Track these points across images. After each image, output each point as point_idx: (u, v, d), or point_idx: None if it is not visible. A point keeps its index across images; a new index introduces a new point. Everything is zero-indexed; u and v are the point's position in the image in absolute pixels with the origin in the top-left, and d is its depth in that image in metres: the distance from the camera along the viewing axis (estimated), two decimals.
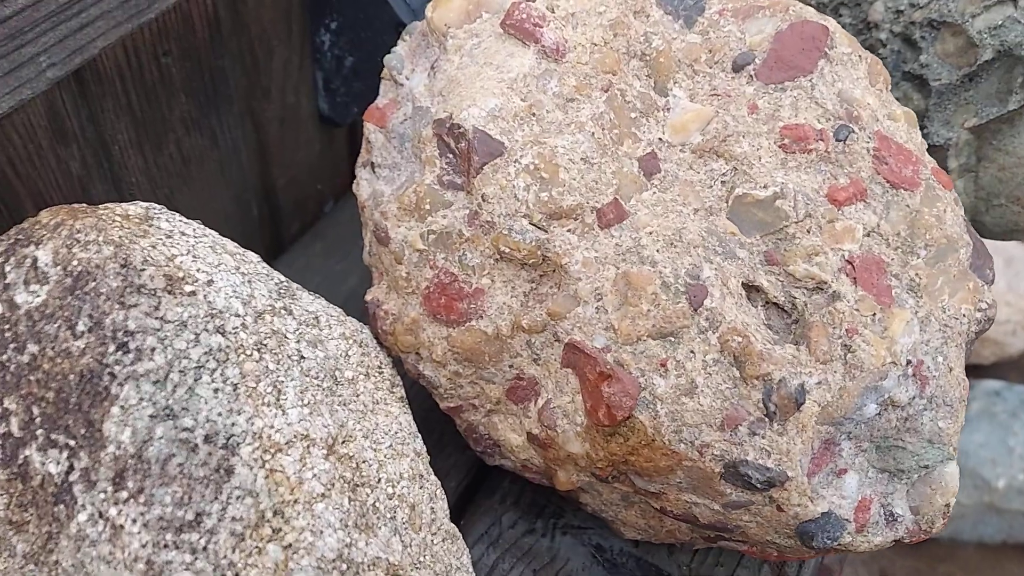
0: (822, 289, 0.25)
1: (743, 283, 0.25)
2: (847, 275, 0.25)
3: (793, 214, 0.26)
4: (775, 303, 0.25)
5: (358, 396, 0.25)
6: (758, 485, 0.24)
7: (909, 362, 0.25)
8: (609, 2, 0.28)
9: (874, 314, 0.25)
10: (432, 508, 0.24)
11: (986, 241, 0.39)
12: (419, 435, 0.27)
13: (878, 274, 0.25)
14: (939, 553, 1.59)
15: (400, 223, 0.28)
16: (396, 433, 0.25)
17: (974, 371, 1.75)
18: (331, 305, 0.27)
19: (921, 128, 0.38)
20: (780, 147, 0.26)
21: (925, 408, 0.25)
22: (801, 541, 0.26)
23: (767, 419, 0.24)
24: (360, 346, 0.27)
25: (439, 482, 0.26)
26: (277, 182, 0.38)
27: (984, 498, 1.38)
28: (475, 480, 0.35)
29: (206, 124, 0.32)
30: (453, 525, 0.26)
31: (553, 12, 0.27)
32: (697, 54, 0.27)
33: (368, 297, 0.29)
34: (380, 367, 0.27)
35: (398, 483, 0.23)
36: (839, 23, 0.41)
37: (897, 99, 0.39)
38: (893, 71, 0.39)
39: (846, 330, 0.25)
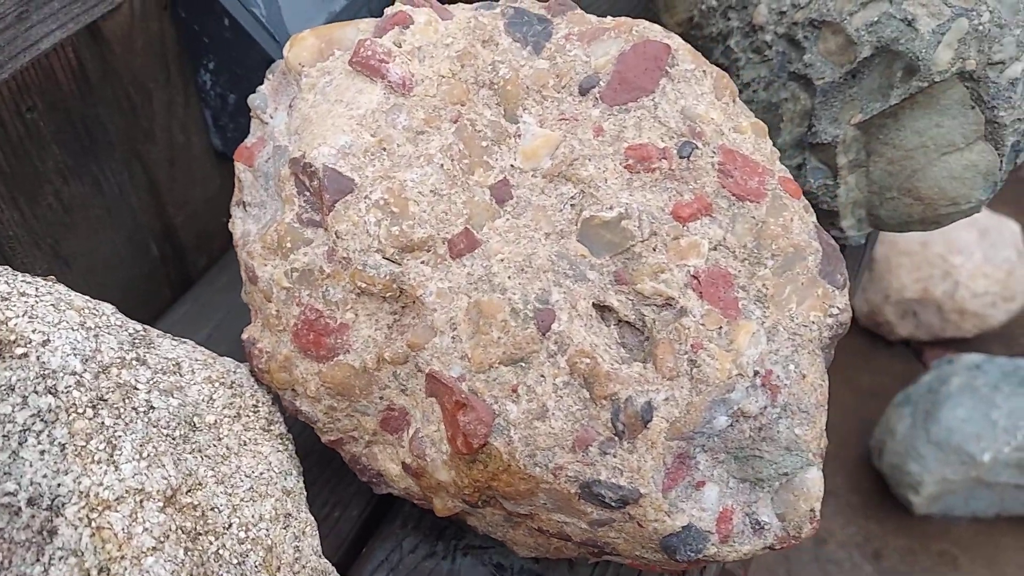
0: (670, 305, 0.26)
1: (595, 304, 0.26)
2: (693, 290, 0.26)
3: (639, 233, 0.26)
4: (627, 322, 0.26)
5: (220, 440, 0.25)
6: (612, 503, 0.25)
7: (757, 373, 0.25)
8: (456, 33, 0.28)
9: (720, 327, 0.25)
10: (297, 547, 0.25)
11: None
12: (295, 472, 0.28)
13: (724, 287, 0.26)
14: (932, 530, 1.60)
15: (266, 261, 0.28)
16: (261, 474, 0.25)
17: (957, 344, 1.76)
18: (199, 349, 0.27)
19: (809, 127, 0.39)
20: (625, 168, 0.27)
21: (780, 416, 0.26)
22: (666, 554, 0.26)
23: (616, 438, 0.25)
24: (229, 387, 0.27)
25: (312, 519, 0.27)
26: (175, 220, 0.39)
27: (971, 473, 1.38)
28: (378, 507, 0.35)
29: (86, 172, 0.32)
30: (325, 561, 0.26)
31: (399, 47, 0.28)
32: (545, 80, 0.28)
33: (244, 336, 0.30)
34: (255, 406, 0.28)
35: (254, 526, 0.24)
36: (728, 26, 0.42)
37: (785, 99, 0.40)
38: (780, 72, 0.40)
39: (692, 345, 0.25)
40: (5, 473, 0.20)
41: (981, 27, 0.35)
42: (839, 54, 0.38)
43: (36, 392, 0.21)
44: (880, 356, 1.83)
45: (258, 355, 0.29)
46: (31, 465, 0.20)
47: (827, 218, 0.40)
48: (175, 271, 0.41)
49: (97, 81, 0.31)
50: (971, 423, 1.36)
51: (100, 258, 0.35)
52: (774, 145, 0.40)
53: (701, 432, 0.25)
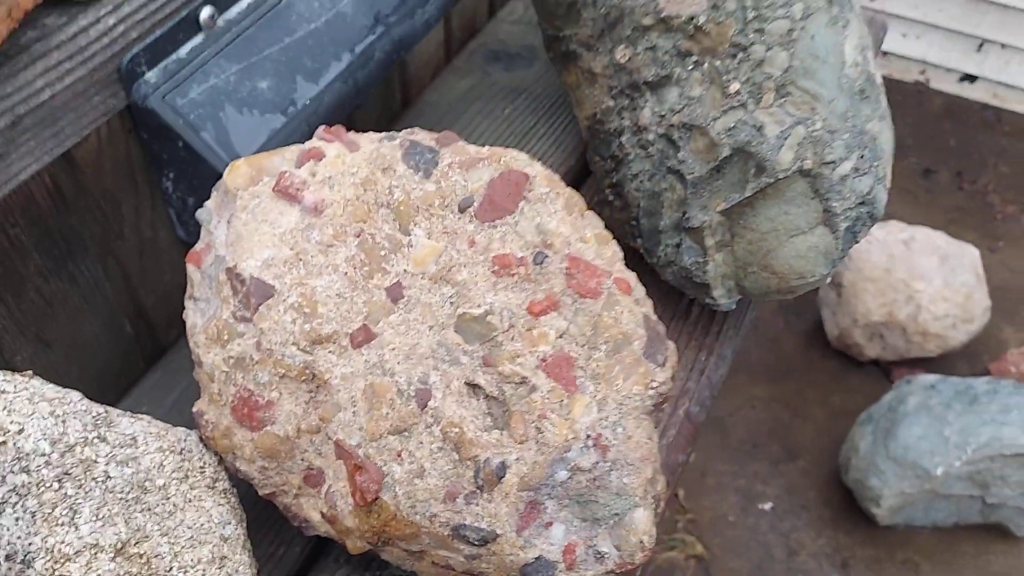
0: (524, 383, 0.32)
1: (467, 382, 0.33)
2: (542, 370, 0.32)
3: (500, 326, 0.33)
4: (492, 396, 0.33)
5: (168, 499, 0.32)
6: (476, 542, 0.31)
7: (589, 436, 0.32)
8: (361, 163, 0.35)
9: (561, 400, 0.32)
10: None
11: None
12: (234, 521, 0.34)
13: (567, 368, 0.32)
14: (896, 540, 1.66)
15: (209, 350, 0.35)
16: (202, 525, 0.32)
17: (922, 364, 1.82)
18: (154, 423, 0.34)
19: (684, 213, 0.46)
20: (492, 272, 0.33)
21: (610, 469, 0.32)
22: None
23: (478, 491, 0.31)
24: (179, 454, 0.34)
25: (247, 560, 0.33)
26: (146, 302, 0.46)
27: (925, 486, 1.45)
28: (317, 545, 0.42)
29: (64, 271, 0.39)
30: None
31: (313, 176, 0.34)
32: (432, 199, 0.35)
33: (195, 409, 0.36)
34: (202, 467, 0.34)
35: (192, 568, 0.30)
36: (622, 124, 0.49)
37: (665, 189, 0.46)
38: (660, 166, 0.47)
39: (538, 415, 0.32)
40: None
41: (816, 133, 0.42)
42: (705, 153, 0.44)
43: (12, 472, 0.27)
44: (851, 377, 1.89)
45: (205, 425, 0.36)
46: (8, 529, 0.26)
47: (701, 289, 0.47)
48: (149, 345, 0.47)
49: (71, 198, 0.38)
50: (926, 440, 1.42)
51: (80, 340, 0.42)
52: (657, 227, 0.47)
53: (546, 484, 0.32)
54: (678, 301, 0.51)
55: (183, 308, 0.48)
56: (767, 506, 1.73)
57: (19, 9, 0.33)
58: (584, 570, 0.33)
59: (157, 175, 0.42)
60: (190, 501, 0.32)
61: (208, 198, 0.43)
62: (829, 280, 1.92)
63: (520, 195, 0.34)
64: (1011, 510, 1.53)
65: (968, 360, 1.87)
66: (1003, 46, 2.29)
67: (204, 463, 0.35)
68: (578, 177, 0.59)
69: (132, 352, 0.46)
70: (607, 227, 0.53)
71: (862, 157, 0.43)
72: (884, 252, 1.71)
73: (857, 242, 0.45)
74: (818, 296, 1.92)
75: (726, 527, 1.71)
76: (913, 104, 2.47)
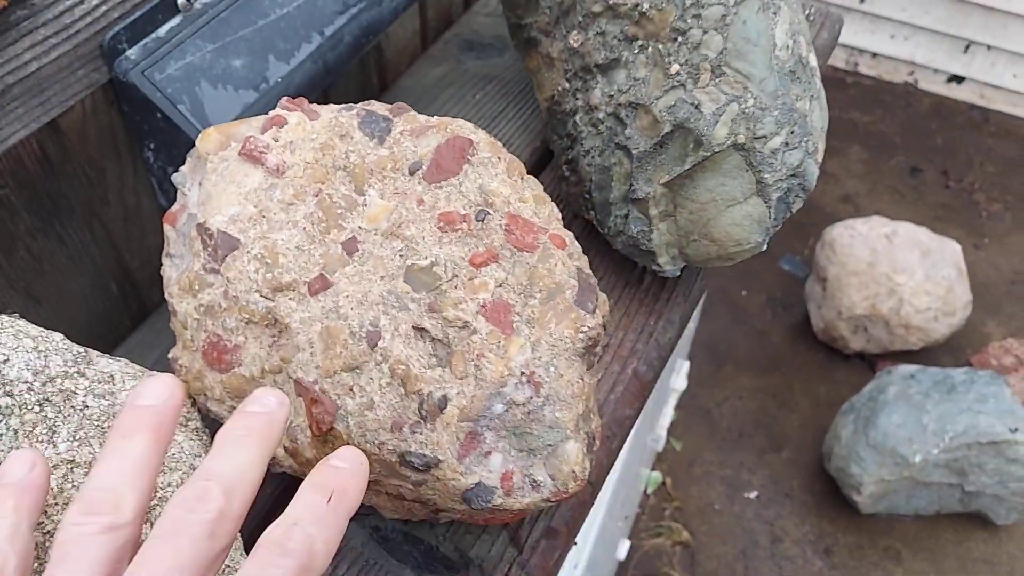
0: (466, 327, 0.36)
1: (413, 327, 0.36)
2: (482, 315, 0.36)
3: (445, 276, 0.36)
4: (437, 339, 0.36)
5: None
6: (420, 467, 0.35)
7: (523, 373, 0.35)
8: (320, 130, 0.38)
9: (499, 342, 0.35)
10: None
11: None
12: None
13: (504, 313, 0.36)
14: (879, 528, 1.69)
15: (182, 300, 0.38)
16: (174, 454, 0.35)
17: (906, 356, 1.86)
18: (132, 365, 0.37)
19: (630, 185, 0.49)
20: (438, 228, 0.37)
21: (543, 404, 0.36)
22: (466, 504, 0.36)
23: (422, 421, 0.35)
24: None
25: None
26: (131, 265, 0.49)
27: (904, 473, 1.48)
28: (287, 488, 0.45)
29: (52, 231, 0.43)
30: None
31: (276, 141, 0.38)
32: (385, 163, 0.38)
33: (169, 355, 0.40)
34: (186, 420, 0.38)
35: (162, 490, 0.34)
36: (576, 105, 0.52)
37: (614, 163, 0.50)
38: (609, 142, 0.50)
39: (477, 355, 0.35)
40: None
41: (747, 110, 0.46)
42: (649, 129, 0.48)
43: None
44: (837, 368, 1.93)
45: (179, 369, 0.39)
46: None
47: (648, 256, 0.51)
48: (134, 305, 0.51)
49: (58, 163, 0.41)
50: (904, 428, 1.46)
51: (67, 298, 0.45)
52: (607, 199, 0.51)
53: (484, 416, 0.35)
54: (631, 270, 0.55)
55: None
56: (752, 494, 1.76)
57: None
58: (521, 496, 0.36)
59: (139, 146, 0.45)
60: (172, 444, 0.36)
61: (175, 174, 0.46)
62: (811, 277, 1.95)
63: (464, 159, 0.38)
64: (990, 498, 1.56)
65: (951, 353, 1.90)
66: (989, 47, 2.32)
67: (186, 413, 0.38)
68: (543, 158, 0.63)
69: (118, 312, 0.49)
70: (565, 201, 0.56)
71: (792, 132, 0.46)
72: (867, 246, 1.74)
73: (791, 212, 0.49)
74: (805, 290, 1.95)
75: (712, 515, 1.75)
76: (902, 104, 2.50)
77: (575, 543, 0.70)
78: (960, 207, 2.22)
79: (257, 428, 0.28)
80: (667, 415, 1.71)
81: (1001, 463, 1.47)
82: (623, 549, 1.55)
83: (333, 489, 0.27)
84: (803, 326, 2.00)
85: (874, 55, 2.49)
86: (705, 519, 1.77)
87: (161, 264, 0.40)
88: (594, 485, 0.47)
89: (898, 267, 1.71)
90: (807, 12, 0.74)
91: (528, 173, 0.56)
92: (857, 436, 1.52)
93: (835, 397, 1.89)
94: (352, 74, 0.63)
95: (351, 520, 0.43)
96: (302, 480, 0.27)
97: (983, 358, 1.79)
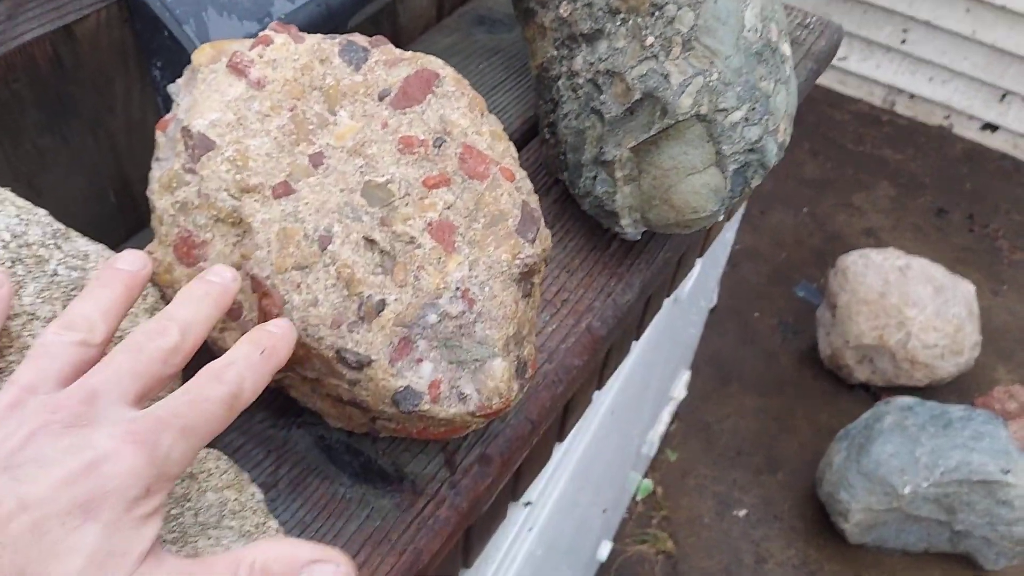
0: (412, 242, 0.38)
1: (364, 237, 0.39)
2: (428, 233, 0.39)
3: (398, 193, 0.39)
4: (384, 251, 0.39)
5: None
6: (354, 364, 0.38)
7: (458, 288, 0.38)
8: (302, 52, 0.42)
9: (440, 258, 0.38)
10: None
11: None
12: None
13: (448, 233, 0.39)
14: (865, 560, 1.69)
15: (160, 197, 0.41)
16: (126, 329, 0.38)
17: (911, 392, 1.84)
18: (108, 250, 0.41)
19: (599, 148, 0.52)
20: (398, 150, 0.40)
21: (475, 320, 0.38)
22: (395, 407, 0.39)
23: (360, 320, 0.38)
24: None
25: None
26: (131, 176, 0.53)
27: (893, 504, 1.48)
28: None
29: (57, 129, 0.46)
30: None
31: (261, 57, 0.41)
32: (358, 88, 0.41)
33: (146, 249, 0.43)
34: (144, 296, 0.41)
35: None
36: (560, 71, 0.55)
37: (588, 127, 0.53)
38: (586, 106, 0.53)
39: (418, 266, 0.38)
40: None
41: (711, 83, 0.48)
42: (622, 96, 0.51)
43: None
44: (840, 397, 1.92)
45: (153, 263, 0.42)
46: None
47: (612, 217, 0.53)
48: (130, 216, 0.54)
49: (70, 67, 0.45)
50: (897, 458, 1.45)
51: (67, 196, 0.49)
52: (580, 160, 0.53)
53: (418, 324, 0.38)
54: (601, 235, 0.57)
55: None
56: (742, 513, 1.76)
57: None
58: (448, 406, 0.39)
59: (147, 63, 0.49)
60: (128, 316, 0.39)
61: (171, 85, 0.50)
62: (822, 304, 1.94)
63: (429, 89, 0.41)
64: (978, 540, 1.55)
65: (956, 394, 1.89)
66: None
67: (147, 293, 0.41)
68: (532, 129, 0.65)
69: (114, 219, 0.53)
70: (544, 163, 0.59)
71: (753, 109, 0.49)
72: (880, 276, 1.74)
73: (749, 188, 0.51)
74: (816, 316, 1.96)
75: (700, 528, 1.75)
76: (935, 147, 2.49)
77: (529, 503, 0.72)
78: (982, 251, 2.20)
79: (213, 293, 0.34)
80: (663, 422, 1.72)
81: (991, 504, 1.47)
82: (604, 550, 1.56)
83: (266, 347, 0.33)
84: (811, 352, 2.00)
85: (912, 96, 2.49)
86: (692, 531, 1.78)
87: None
88: (535, 425, 0.49)
89: (909, 300, 1.71)
90: (807, 20, 0.76)
91: (517, 142, 0.59)
92: (849, 463, 1.52)
93: (835, 425, 1.88)
94: (365, 34, 0.66)
95: (299, 427, 0.46)
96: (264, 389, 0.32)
97: (987, 401, 1.77)
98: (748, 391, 1.96)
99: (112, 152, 0.51)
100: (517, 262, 0.39)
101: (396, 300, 0.38)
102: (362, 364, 0.38)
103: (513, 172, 0.41)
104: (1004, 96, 2.33)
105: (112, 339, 0.32)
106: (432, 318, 0.38)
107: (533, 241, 0.40)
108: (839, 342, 1.83)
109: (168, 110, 0.52)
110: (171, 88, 0.44)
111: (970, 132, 2.47)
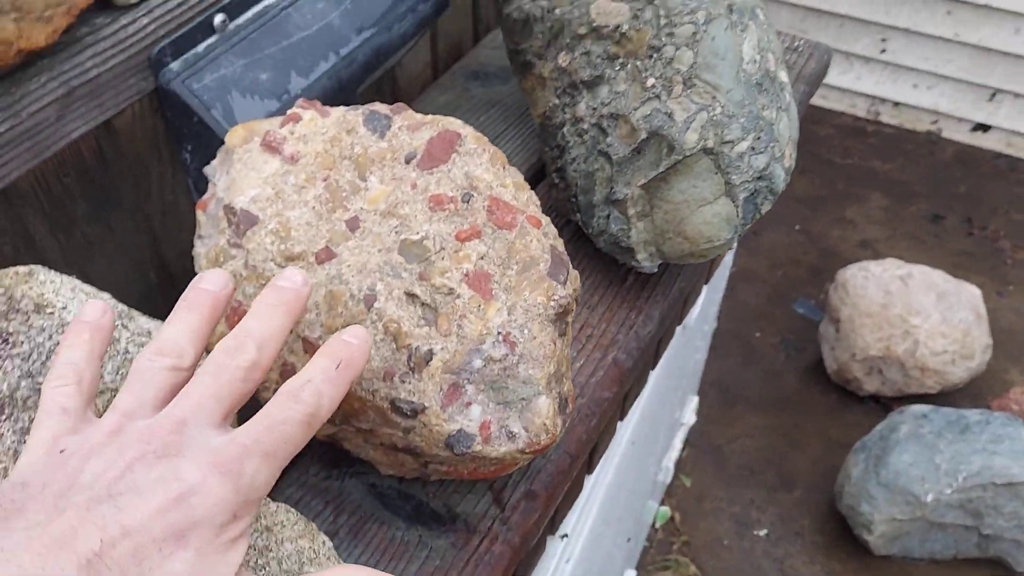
0: (451, 292, 0.41)
1: (406, 292, 0.41)
2: (465, 283, 0.41)
3: (434, 248, 0.42)
4: (426, 303, 0.41)
5: None
6: (408, 412, 0.40)
7: (500, 333, 0.40)
8: (330, 125, 0.44)
9: (479, 306, 0.40)
10: None
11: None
12: None
13: (485, 282, 0.41)
14: (892, 571, 1.69)
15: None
16: None
17: (923, 400, 1.86)
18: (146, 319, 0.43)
19: (611, 188, 0.54)
20: (429, 208, 0.42)
21: (518, 362, 0.40)
22: (449, 450, 0.40)
23: (411, 371, 0.40)
24: None
25: None
26: (167, 256, 0.55)
27: (916, 512, 1.48)
28: None
29: (103, 218, 0.49)
30: None
31: (292, 134, 0.44)
32: (385, 154, 0.44)
33: None
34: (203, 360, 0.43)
35: None
36: (564, 118, 0.58)
37: (596, 169, 0.55)
38: (593, 149, 0.56)
39: (460, 315, 0.40)
40: (39, 371, 0.35)
41: (715, 117, 0.51)
42: (628, 137, 0.53)
43: (57, 333, 0.37)
44: (850, 410, 1.94)
45: None
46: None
47: (627, 253, 0.56)
48: (167, 291, 0.57)
49: (111, 159, 0.48)
50: (916, 467, 1.46)
51: (113, 281, 0.51)
52: (591, 201, 0.56)
53: (465, 369, 0.40)
54: (616, 270, 0.60)
55: None
56: (762, 532, 1.76)
57: (75, 8, 0.44)
58: (498, 445, 0.41)
59: (177, 148, 0.52)
60: None
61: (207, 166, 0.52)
62: (824, 319, 1.97)
63: (453, 149, 0.43)
64: (1008, 543, 1.55)
65: (970, 398, 1.90)
66: (1016, 95, 2.35)
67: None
68: (538, 173, 0.68)
69: (154, 297, 0.55)
70: (556, 207, 0.62)
71: (758, 138, 0.52)
72: (881, 288, 1.77)
73: (760, 214, 0.54)
74: (819, 331, 1.98)
75: (721, 550, 1.75)
76: (924, 153, 2.54)
77: (565, 535, 0.74)
78: (984, 254, 2.23)
79: (286, 300, 0.35)
80: (675, 448, 1.73)
81: (1018, 506, 1.47)
82: None
83: (342, 359, 0.34)
84: (816, 368, 2.02)
85: (896, 104, 2.54)
86: (713, 554, 1.77)
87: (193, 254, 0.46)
88: (573, 458, 0.51)
89: (913, 309, 1.73)
90: (796, 44, 0.79)
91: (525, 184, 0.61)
92: (868, 474, 1.53)
93: (847, 438, 1.89)
94: (368, 98, 0.70)
95: (352, 477, 0.48)
96: (314, 442, 0.33)
97: (1004, 403, 1.79)
98: (755, 411, 1.98)
99: (150, 235, 0.53)
100: (552, 303, 0.41)
101: (443, 349, 0.40)
102: (416, 411, 0.40)
103: (539, 219, 0.43)
104: (994, 95, 2.38)
105: (200, 358, 0.34)
106: (477, 363, 0.40)
107: (564, 283, 0.42)
108: (845, 356, 1.85)
109: (199, 191, 0.55)
110: (207, 169, 0.46)
111: (960, 135, 2.51)
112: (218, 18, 0.50)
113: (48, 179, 0.45)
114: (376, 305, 0.40)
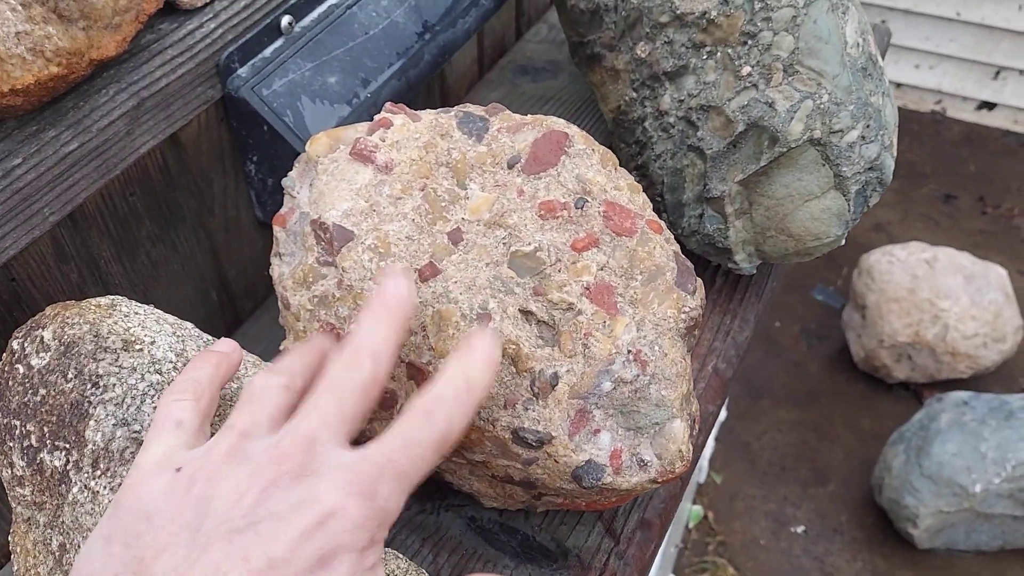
0: (571, 308, 0.37)
1: (520, 309, 0.37)
2: (587, 297, 0.37)
3: (548, 260, 0.38)
4: (543, 321, 0.37)
5: None
6: (533, 443, 0.36)
7: (630, 351, 0.36)
8: (422, 130, 0.41)
9: (604, 321, 0.37)
10: None
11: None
12: None
13: (607, 295, 0.37)
14: (937, 564, 1.65)
15: (295, 292, 0.40)
16: None
17: (955, 385, 1.83)
18: (251, 355, 0.39)
19: (704, 185, 0.51)
20: (539, 216, 0.39)
21: (650, 382, 0.37)
22: (576, 483, 0.37)
23: (534, 398, 0.36)
24: None
25: None
26: (229, 274, 0.51)
27: (964, 504, 1.45)
28: None
29: (167, 238, 0.45)
30: None
31: (383, 141, 0.40)
32: (484, 159, 0.40)
33: (281, 347, 0.42)
34: None
35: None
36: (644, 112, 0.54)
37: (686, 165, 0.52)
38: (681, 145, 0.52)
39: (584, 334, 0.36)
40: (134, 419, 0.31)
41: (822, 105, 0.47)
42: (722, 130, 0.50)
43: (149, 372, 0.33)
44: (881, 399, 1.91)
45: None
46: (148, 415, 0.32)
47: (724, 254, 0.52)
48: (229, 314, 0.53)
49: (176, 174, 0.44)
50: (961, 456, 1.43)
51: (176, 303, 0.47)
52: (680, 200, 0.52)
53: (593, 394, 0.36)
54: (703, 271, 0.56)
55: (258, 282, 0.54)
56: (799, 529, 1.73)
57: (143, 14, 0.40)
58: (629, 476, 0.37)
59: (242, 159, 0.48)
60: None
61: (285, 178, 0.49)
62: (849, 306, 1.94)
63: (561, 151, 0.40)
64: None
65: (1002, 381, 1.87)
66: (1021, 72, 2.33)
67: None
68: None
69: (216, 319, 0.51)
70: None
71: (868, 126, 0.48)
72: (907, 272, 1.74)
73: (869, 207, 0.50)
74: (842, 319, 1.95)
75: (758, 550, 1.72)
76: (930, 133, 2.51)
77: None
78: (1000, 233, 2.20)
79: (393, 310, 0.32)
80: (708, 445, 1.70)
81: None
82: None
83: (472, 377, 0.31)
84: (841, 356, 1.99)
85: (898, 85, 2.51)
86: (751, 555, 1.74)
87: (255, 278, 0.42)
88: (683, 480, 0.47)
89: (941, 293, 1.70)
90: None
91: None
92: (910, 466, 1.50)
93: (880, 429, 1.86)
94: (419, 99, 0.66)
95: (447, 510, 0.45)
96: None
97: None
98: (782, 404, 1.94)
99: (212, 253, 0.49)
100: (683, 316, 0.38)
101: (568, 371, 0.36)
102: (542, 442, 0.36)
103: (659, 224, 0.39)
104: (998, 73, 2.35)
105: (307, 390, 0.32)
106: (607, 386, 0.36)
107: (693, 293, 0.38)
108: (873, 343, 1.82)
109: (260, 204, 0.51)
110: (285, 181, 0.42)
111: (965, 114, 2.49)
112: (285, 20, 0.46)
113: (114, 198, 0.41)
114: (491, 325, 0.37)
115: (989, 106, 2.45)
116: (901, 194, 2.34)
